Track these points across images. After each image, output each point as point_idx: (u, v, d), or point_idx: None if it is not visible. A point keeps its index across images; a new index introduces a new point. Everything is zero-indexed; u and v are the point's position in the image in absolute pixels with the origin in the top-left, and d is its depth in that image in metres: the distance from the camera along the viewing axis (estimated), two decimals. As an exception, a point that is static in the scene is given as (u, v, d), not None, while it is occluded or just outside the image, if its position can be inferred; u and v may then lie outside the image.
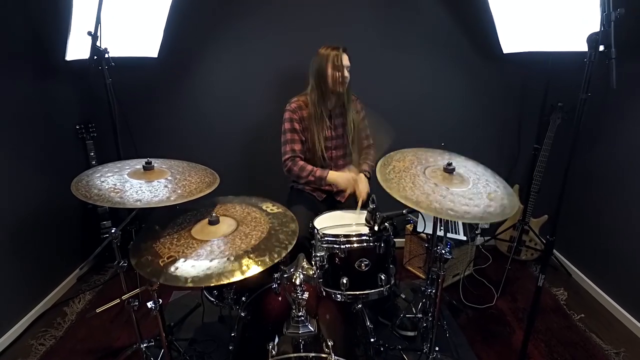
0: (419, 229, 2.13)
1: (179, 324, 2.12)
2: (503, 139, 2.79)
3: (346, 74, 1.96)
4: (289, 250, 1.23)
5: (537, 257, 2.73)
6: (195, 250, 1.23)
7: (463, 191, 1.32)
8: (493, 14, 2.30)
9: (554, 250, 2.72)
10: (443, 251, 1.46)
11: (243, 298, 1.62)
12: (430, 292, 1.86)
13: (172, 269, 1.17)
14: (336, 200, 2.15)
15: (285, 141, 2.01)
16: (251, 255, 1.19)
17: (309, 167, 1.97)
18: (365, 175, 2.04)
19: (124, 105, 2.46)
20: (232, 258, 1.19)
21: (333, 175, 1.95)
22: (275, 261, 1.19)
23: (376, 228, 1.37)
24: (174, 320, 2.12)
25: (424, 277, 2.57)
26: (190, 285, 1.12)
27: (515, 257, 2.69)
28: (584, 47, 1.34)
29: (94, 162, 2.60)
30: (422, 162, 1.47)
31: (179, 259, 1.20)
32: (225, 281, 1.12)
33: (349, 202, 2.10)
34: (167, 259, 1.21)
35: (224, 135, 2.69)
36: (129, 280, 1.61)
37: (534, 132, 2.66)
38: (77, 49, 1.93)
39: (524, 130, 2.75)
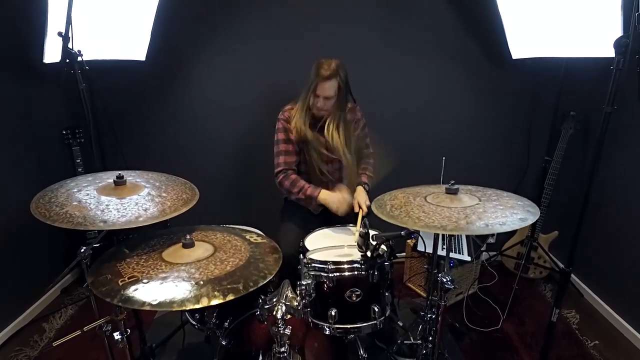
0: (420, 248, 1.99)
1: (162, 344, 1.99)
2: (511, 150, 2.65)
3: (320, 103, 1.80)
4: (267, 280, 1.09)
5: (546, 276, 2.57)
6: (162, 273, 1.11)
7: (479, 204, 1.19)
8: (502, 18, 2.16)
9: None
10: (444, 279, 1.32)
11: (226, 323, 1.50)
12: (430, 317, 1.72)
13: (131, 290, 1.04)
14: (332, 214, 2.00)
15: (278, 152, 1.88)
16: (223, 282, 1.06)
17: (301, 182, 1.85)
18: (364, 188, 1.90)
19: (110, 111, 2.37)
20: (201, 283, 1.05)
21: (324, 195, 1.83)
22: (250, 290, 1.06)
23: (369, 254, 1.23)
24: (157, 341, 1.99)
25: (424, 295, 2.42)
26: (148, 308, 1.00)
27: (522, 274, 2.53)
28: (601, 53, 1.19)
29: (80, 170, 2.49)
30: (417, 195, 1.36)
31: (141, 280, 1.08)
32: (190, 307, 1.00)
33: (346, 216, 1.97)
34: (129, 279, 1.09)
35: (215, 141, 2.57)
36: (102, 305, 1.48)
37: (545, 143, 2.51)
38: (55, 51, 1.80)
39: (533, 140, 2.60)
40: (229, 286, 1.04)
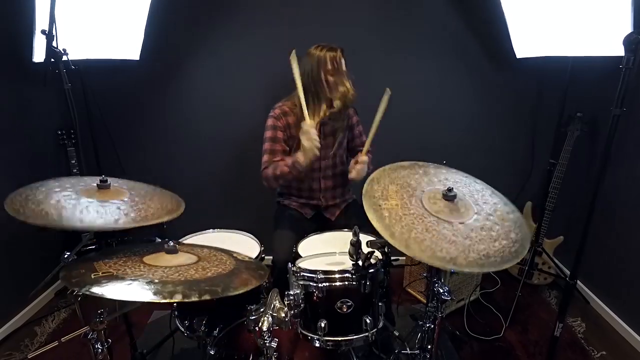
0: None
1: (153, 350, 1.95)
2: (515, 152, 2.58)
3: (348, 85, 1.72)
4: (248, 288, 1.03)
5: (550, 282, 2.49)
6: (140, 272, 1.05)
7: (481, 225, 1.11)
8: (506, 16, 2.09)
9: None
10: (441, 290, 1.25)
11: (215, 332, 1.44)
12: (429, 326, 1.65)
13: (104, 281, 0.97)
14: (325, 218, 1.95)
15: (265, 150, 1.81)
16: (202, 284, 1.00)
17: (281, 161, 1.74)
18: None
19: (104, 111, 2.34)
20: (178, 282, 0.99)
21: (299, 152, 1.68)
22: (230, 294, 1.00)
23: (360, 263, 1.17)
24: (149, 347, 1.94)
25: (425, 301, 2.35)
26: (118, 298, 0.93)
27: (526, 280, 2.45)
28: (610, 51, 1.12)
29: (75, 170, 2.46)
30: (408, 189, 1.22)
31: (115, 275, 1.02)
32: (162, 300, 0.92)
33: (339, 221, 1.93)
34: (102, 273, 1.03)
35: (211, 142, 2.52)
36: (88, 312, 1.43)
37: (550, 145, 2.43)
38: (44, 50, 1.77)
39: (538, 142, 2.52)
40: (207, 288, 0.98)
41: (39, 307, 2.31)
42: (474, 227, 1.12)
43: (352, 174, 1.76)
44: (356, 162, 1.76)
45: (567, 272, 2.44)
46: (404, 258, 2.53)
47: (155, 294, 0.93)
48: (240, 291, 1.00)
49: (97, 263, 1.09)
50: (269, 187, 1.83)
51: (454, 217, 1.14)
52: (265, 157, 1.80)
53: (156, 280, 0.98)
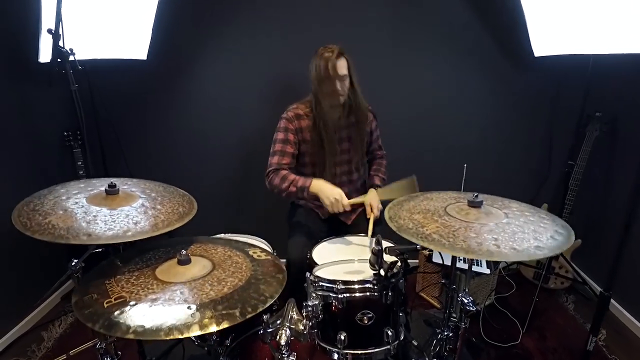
0: (435, 259, 1.88)
1: (162, 357, 1.90)
2: (532, 153, 2.51)
3: (339, 86, 1.68)
4: (267, 305, 0.98)
5: (568, 286, 2.42)
6: (153, 293, 1.01)
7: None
8: (525, 12, 2.02)
9: (587, 278, 2.40)
10: (465, 300, 1.20)
11: (227, 341, 1.39)
12: (447, 335, 1.60)
13: (117, 313, 0.94)
14: (340, 221, 1.90)
15: (274, 152, 1.76)
16: (218, 307, 0.96)
17: (292, 176, 1.68)
18: (376, 190, 1.79)
19: (111, 111, 2.30)
20: (194, 308, 0.95)
21: (317, 184, 1.62)
22: (247, 317, 0.96)
23: (382, 273, 1.12)
24: (157, 354, 1.90)
25: (439, 306, 2.30)
26: (132, 337, 0.89)
27: (542, 284, 2.39)
28: (634, 49, 1.05)
29: (81, 172, 2.42)
30: (430, 212, 1.24)
31: (129, 302, 0.98)
32: (178, 336, 0.89)
33: (355, 225, 1.86)
34: (115, 299, 0.99)
35: (220, 143, 2.47)
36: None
37: (568, 146, 2.36)
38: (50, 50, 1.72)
39: (556, 143, 2.45)
40: (224, 312, 0.94)
41: (45, 312, 2.28)
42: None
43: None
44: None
45: (585, 276, 2.38)
46: (416, 262, 2.48)
47: (168, 333, 0.88)
48: (260, 310, 0.96)
49: (108, 282, 1.05)
50: (270, 191, 1.77)
51: (492, 220, 1.14)
52: (274, 159, 1.75)
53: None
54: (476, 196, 1.11)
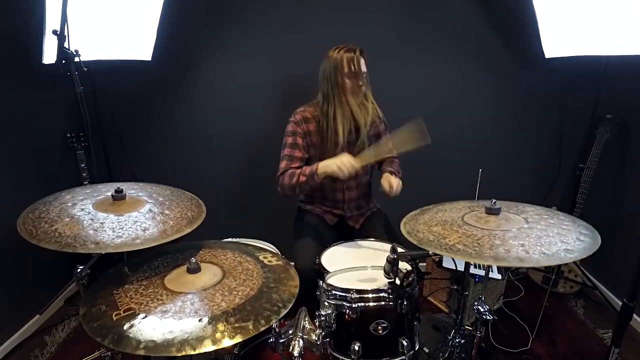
0: (446, 264, 1.85)
1: (168, 363, 1.87)
2: (542, 155, 2.48)
3: (362, 82, 1.66)
4: (281, 316, 0.95)
5: (577, 291, 2.39)
6: (162, 304, 0.97)
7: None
8: (536, 12, 1.99)
9: (597, 283, 2.37)
10: (481, 309, 1.17)
11: (235, 349, 1.37)
12: (458, 341, 1.58)
13: (126, 326, 0.91)
14: (349, 226, 1.87)
15: (283, 157, 1.73)
16: (230, 319, 0.93)
17: (298, 170, 1.65)
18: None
19: (115, 113, 2.27)
20: (205, 320, 0.92)
21: (323, 163, 1.57)
22: (261, 329, 0.93)
23: (398, 282, 1.09)
24: (163, 358, 1.87)
25: (447, 311, 2.27)
26: (142, 353, 0.86)
27: (551, 289, 2.36)
28: None
29: (84, 174, 2.39)
30: (449, 223, 1.22)
31: (138, 314, 0.95)
32: (190, 352, 0.86)
33: (363, 229, 1.84)
34: (124, 312, 0.96)
35: (224, 145, 2.44)
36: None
37: (578, 149, 2.33)
38: (53, 51, 1.70)
39: (566, 145, 2.43)
40: (236, 325, 0.91)
41: (48, 315, 2.25)
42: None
43: (392, 191, 1.64)
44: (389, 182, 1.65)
45: (594, 280, 2.35)
46: (424, 264, 2.45)
47: (180, 349, 0.86)
48: (273, 322, 0.93)
49: (116, 292, 1.02)
50: (283, 195, 1.74)
51: (513, 225, 1.13)
52: (283, 163, 1.72)
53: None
54: (494, 203, 1.08)
